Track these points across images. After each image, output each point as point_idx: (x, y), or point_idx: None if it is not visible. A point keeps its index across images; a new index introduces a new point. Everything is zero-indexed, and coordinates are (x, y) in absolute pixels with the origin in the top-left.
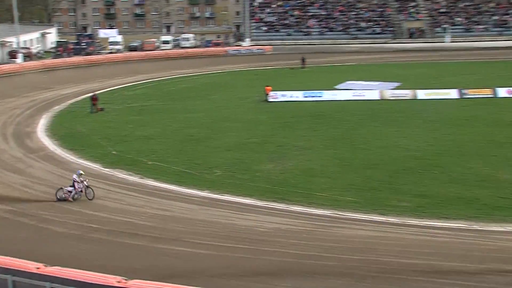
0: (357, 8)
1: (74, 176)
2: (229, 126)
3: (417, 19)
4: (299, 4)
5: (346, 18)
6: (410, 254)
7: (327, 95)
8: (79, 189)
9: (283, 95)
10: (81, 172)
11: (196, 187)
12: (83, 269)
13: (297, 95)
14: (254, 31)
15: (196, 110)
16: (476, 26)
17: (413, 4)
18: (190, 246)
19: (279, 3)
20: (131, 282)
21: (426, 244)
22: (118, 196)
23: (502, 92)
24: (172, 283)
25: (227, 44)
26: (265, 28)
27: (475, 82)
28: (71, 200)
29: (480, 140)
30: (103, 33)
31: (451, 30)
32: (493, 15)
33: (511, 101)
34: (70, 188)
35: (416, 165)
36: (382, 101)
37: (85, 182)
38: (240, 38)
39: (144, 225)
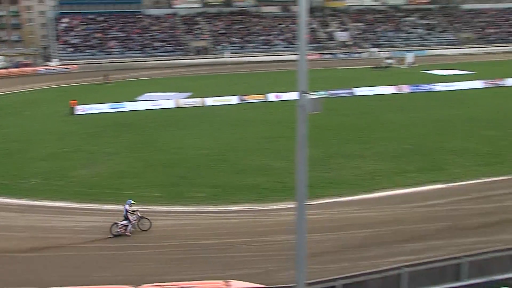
0: (151, 30)
1: (126, 206)
2: (42, 138)
3: (202, 39)
4: (100, 28)
5: (142, 39)
6: (208, 235)
7: (130, 106)
8: (134, 221)
9: (90, 108)
10: (132, 201)
11: (14, 197)
12: None
13: (103, 107)
14: (61, 52)
15: (10, 125)
16: (248, 44)
17: (197, 26)
18: (11, 251)
19: (82, 27)
20: None
21: (220, 226)
22: None
23: (272, 97)
24: None
25: (36, 65)
26: (70, 49)
27: (250, 89)
28: (129, 234)
29: (257, 137)
30: None
31: (229, 48)
32: (260, 35)
33: (279, 104)
34: (125, 222)
35: (208, 161)
36: (177, 109)
37: (138, 213)
38: (47, 58)
39: None
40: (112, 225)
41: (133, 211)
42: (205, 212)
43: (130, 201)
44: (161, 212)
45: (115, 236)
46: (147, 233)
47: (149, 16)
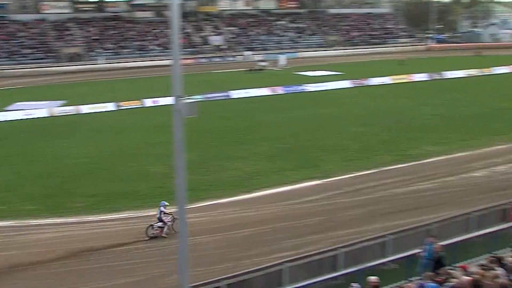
0: (18, 37)
1: (161, 208)
2: None
3: (74, 45)
4: None
5: (9, 45)
6: (89, 246)
7: None
8: (169, 223)
9: None
10: (166, 203)
11: None
12: None
13: None
14: None
15: None
16: (123, 50)
17: (69, 32)
18: None
19: None
20: None
21: (101, 236)
22: None
23: (149, 102)
24: None
25: None
26: None
27: (126, 95)
28: (165, 236)
29: (136, 143)
30: None
31: (104, 54)
32: (135, 41)
33: (156, 109)
34: (161, 224)
35: (86, 170)
36: (51, 117)
37: (173, 214)
38: None
39: None
40: (148, 227)
41: (169, 212)
42: (85, 222)
43: (164, 203)
44: (38, 225)
45: (151, 238)
46: (23, 250)
47: (15, 21)
